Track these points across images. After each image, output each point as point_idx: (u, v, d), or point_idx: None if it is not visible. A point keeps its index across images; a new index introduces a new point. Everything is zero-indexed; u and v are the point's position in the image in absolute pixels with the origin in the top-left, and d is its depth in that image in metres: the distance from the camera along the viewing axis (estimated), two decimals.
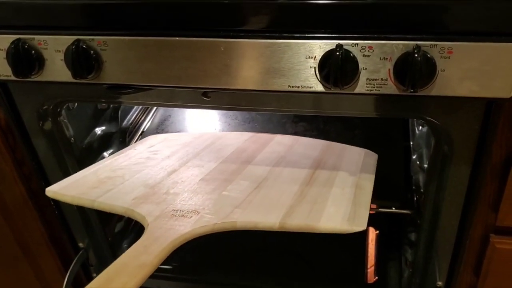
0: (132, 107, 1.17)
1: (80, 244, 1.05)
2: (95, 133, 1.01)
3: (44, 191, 0.83)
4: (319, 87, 0.65)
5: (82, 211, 1.00)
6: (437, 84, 0.61)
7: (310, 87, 0.65)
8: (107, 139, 1.05)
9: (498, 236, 0.82)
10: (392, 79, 0.62)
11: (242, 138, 1.08)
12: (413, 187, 0.95)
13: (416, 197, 0.93)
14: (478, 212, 0.80)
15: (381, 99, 0.69)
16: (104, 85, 0.71)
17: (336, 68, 0.61)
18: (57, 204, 0.98)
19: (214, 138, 1.10)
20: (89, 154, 0.98)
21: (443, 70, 0.61)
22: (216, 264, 1.13)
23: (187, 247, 1.15)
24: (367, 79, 0.63)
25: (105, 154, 1.05)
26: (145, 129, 1.18)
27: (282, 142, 1.06)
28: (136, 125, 1.19)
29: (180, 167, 0.93)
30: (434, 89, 0.62)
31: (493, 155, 0.73)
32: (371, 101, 0.70)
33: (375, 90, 0.64)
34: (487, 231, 0.83)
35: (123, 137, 1.10)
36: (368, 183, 0.86)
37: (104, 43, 0.68)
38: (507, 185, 0.75)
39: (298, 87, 0.65)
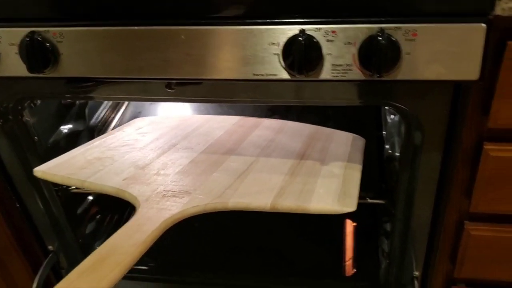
0: (100, 104, 1.14)
1: (50, 247, 1.02)
2: (61, 132, 0.97)
3: (8, 193, 0.80)
4: (284, 75, 0.63)
5: (50, 213, 0.97)
6: (402, 68, 0.60)
7: (275, 74, 0.63)
8: (74, 138, 1.02)
9: (472, 222, 0.82)
10: (357, 64, 0.61)
11: (230, 122, 1.08)
12: (387, 177, 0.94)
13: (390, 187, 0.92)
14: (451, 199, 0.80)
15: (348, 86, 0.68)
16: (63, 79, 0.69)
17: (300, 55, 0.60)
18: (23, 206, 0.95)
19: (202, 121, 1.09)
20: (55, 154, 0.95)
21: (408, 53, 0.59)
22: (191, 263, 1.11)
23: (162, 246, 1.14)
24: (332, 65, 0.61)
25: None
26: (114, 127, 1.15)
27: (270, 126, 1.06)
28: (105, 122, 1.16)
29: (169, 149, 0.93)
30: (400, 73, 0.61)
31: (464, 140, 0.73)
32: (338, 88, 0.68)
33: (341, 76, 0.62)
34: (461, 218, 0.82)
35: (91, 135, 1.07)
36: (357, 164, 0.86)
37: (60, 35, 0.65)
38: (479, 170, 0.74)
39: (263, 75, 0.63)
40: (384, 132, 1.02)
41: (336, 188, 0.76)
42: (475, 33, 0.57)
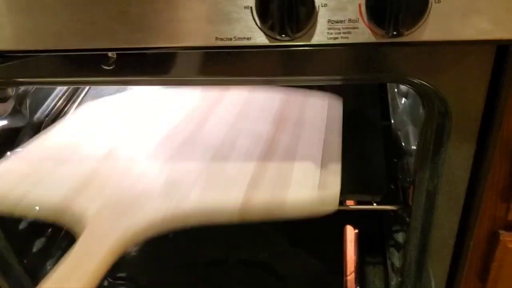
0: (50, 93, 0.95)
1: None
2: None
3: None
4: (260, 38, 0.44)
5: None
6: (430, 23, 0.42)
7: (248, 38, 0.44)
8: (12, 136, 0.83)
9: (510, 233, 0.64)
10: (365, 19, 0.42)
11: (191, 98, 0.94)
12: (399, 176, 0.76)
13: (403, 188, 0.74)
14: (484, 203, 0.62)
15: (350, 54, 0.49)
16: None
17: (282, 8, 0.41)
18: None
19: (160, 97, 0.96)
20: None
21: (439, 1, 0.41)
22: (165, 280, 0.93)
23: (133, 262, 0.97)
24: (328, 21, 0.43)
25: (9, 154, 0.82)
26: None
27: (234, 102, 0.92)
28: (58, 116, 0.96)
29: (119, 144, 0.80)
30: (427, 30, 0.42)
31: (505, 128, 0.55)
32: (336, 57, 0.50)
33: (342, 37, 0.44)
34: (496, 227, 0.65)
35: (36, 133, 0.88)
36: (336, 138, 0.78)
37: None
38: None
39: (230, 38, 0.45)
40: (392, 121, 0.83)
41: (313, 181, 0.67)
42: None
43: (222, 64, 0.52)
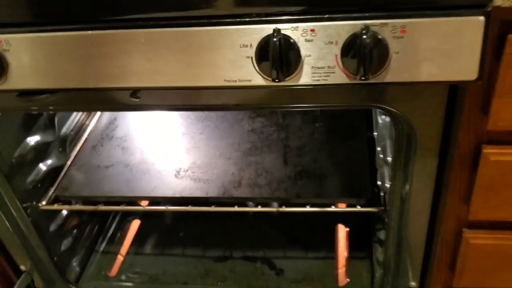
0: (72, 112, 1.07)
1: (22, 267, 0.95)
2: (27, 144, 0.90)
3: None
4: (259, 80, 0.56)
5: (19, 232, 0.90)
6: (391, 69, 0.54)
7: (249, 80, 0.56)
8: (43, 150, 0.95)
9: (471, 230, 0.76)
10: (340, 66, 0.54)
11: None
12: (379, 182, 0.87)
13: (383, 193, 0.86)
14: (448, 206, 0.73)
15: (332, 89, 0.61)
16: (13, 91, 0.61)
17: (275, 58, 0.53)
18: None
19: None
20: (21, 168, 0.88)
21: (397, 53, 0.53)
22: (174, 274, 1.05)
23: (145, 257, 1.09)
24: (312, 67, 0.55)
25: (41, 166, 0.94)
26: (88, 135, 1.08)
27: None
28: (79, 130, 1.08)
29: None
30: (389, 75, 0.54)
31: (461, 144, 0.66)
32: (320, 91, 0.62)
33: (322, 79, 0.55)
34: (460, 226, 0.76)
35: (62, 146, 1.00)
36: None
37: (6, 43, 0.57)
38: (478, 175, 0.68)
39: (235, 81, 0.56)
40: (375, 133, 0.95)
41: None
42: (472, 28, 0.51)
43: (230, 96, 0.64)
